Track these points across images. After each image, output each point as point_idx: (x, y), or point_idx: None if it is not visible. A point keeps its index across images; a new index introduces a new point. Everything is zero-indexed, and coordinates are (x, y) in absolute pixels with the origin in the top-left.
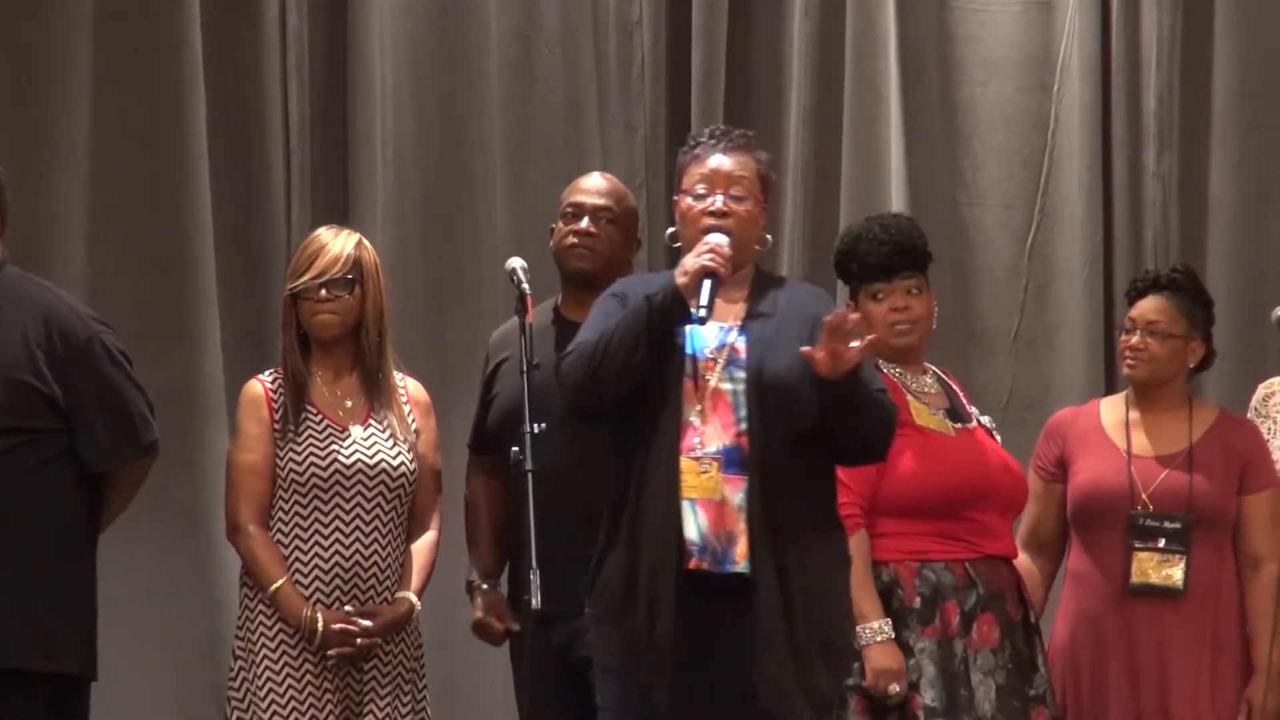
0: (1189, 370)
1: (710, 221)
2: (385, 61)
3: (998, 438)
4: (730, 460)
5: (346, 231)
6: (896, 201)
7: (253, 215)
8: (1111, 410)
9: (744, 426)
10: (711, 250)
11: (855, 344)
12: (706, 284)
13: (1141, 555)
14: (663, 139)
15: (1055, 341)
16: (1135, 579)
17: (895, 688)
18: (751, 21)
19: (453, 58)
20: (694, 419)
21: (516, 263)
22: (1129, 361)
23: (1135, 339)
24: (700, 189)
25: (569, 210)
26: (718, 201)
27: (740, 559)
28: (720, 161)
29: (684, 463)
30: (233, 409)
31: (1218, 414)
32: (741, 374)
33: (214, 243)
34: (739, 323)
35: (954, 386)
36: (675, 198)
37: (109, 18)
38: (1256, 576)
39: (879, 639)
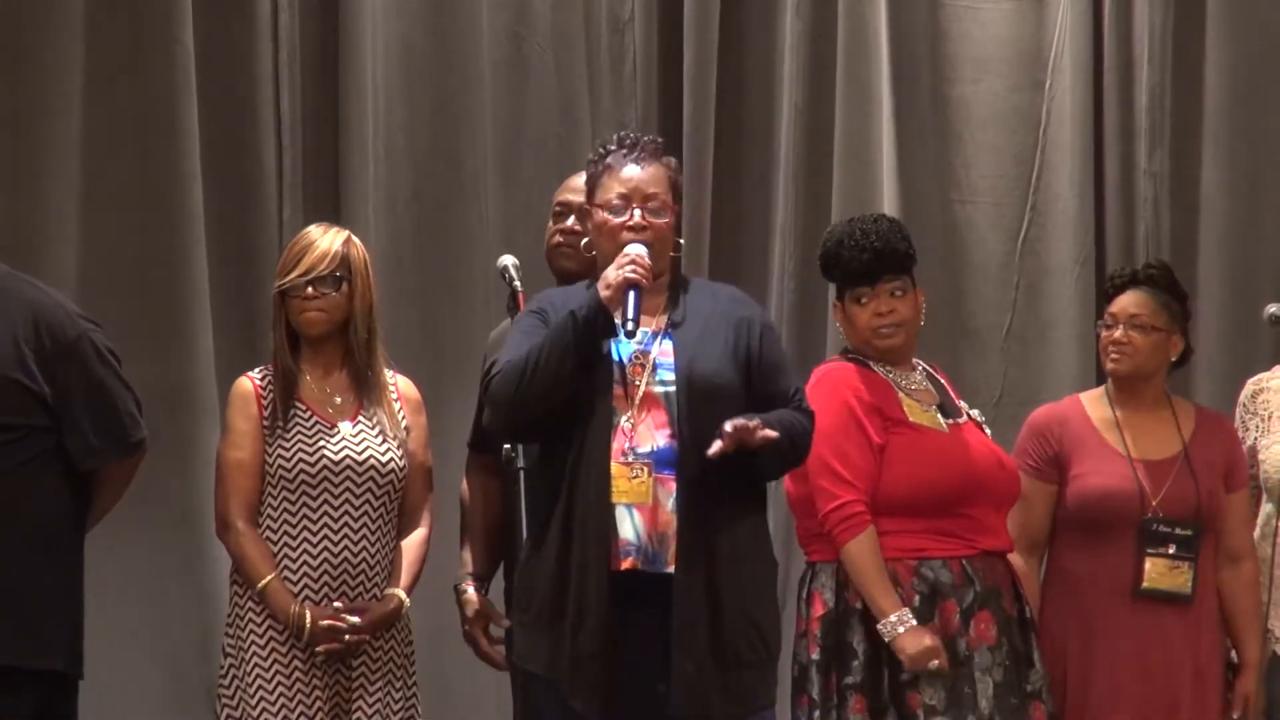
0: (1170, 365)
1: (629, 235)
2: (377, 60)
3: (987, 431)
4: (663, 461)
5: (335, 229)
6: (888, 199)
7: (244, 214)
8: (1096, 408)
9: (675, 428)
10: (633, 262)
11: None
12: (631, 296)
13: (1153, 561)
14: None
15: (1047, 339)
16: (1147, 584)
17: (935, 663)
18: (743, 19)
19: (444, 56)
20: (624, 423)
21: (508, 260)
22: (1113, 356)
23: (1118, 333)
24: (616, 202)
25: (557, 209)
26: (635, 216)
27: (673, 561)
28: (634, 174)
29: (615, 468)
30: (224, 407)
31: (1196, 412)
32: (671, 376)
33: (206, 241)
34: (662, 327)
35: (942, 381)
36: (587, 207)
37: (100, 18)
38: (1238, 572)
39: (902, 629)
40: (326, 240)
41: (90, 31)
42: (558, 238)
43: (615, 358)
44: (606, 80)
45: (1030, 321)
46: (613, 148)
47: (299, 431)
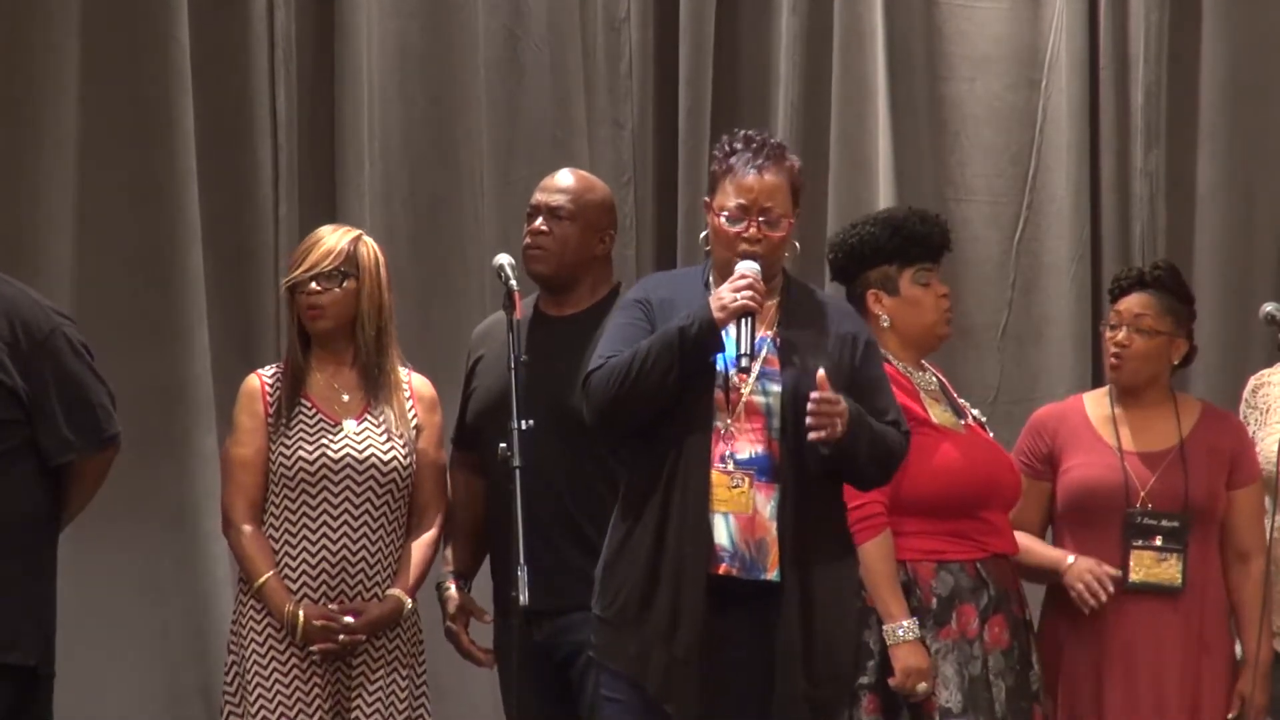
0: (1172, 367)
1: (744, 247)
2: (373, 59)
3: (989, 432)
4: (762, 469)
5: (346, 228)
6: (884, 197)
7: (240, 212)
8: (1096, 406)
9: (776, 436)
10: (749, 286)
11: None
12: (745, 324)
13: (1140, 553)
14: (650, 136)
15: (1043, 337)
16: (1134, 577)
17: (923, 685)
18: (739, 18)
19: (440, 55)
20: (724, 427)
21: (504, 259)
22: (1112, 362)
23: (1121, 334)
24: (734, 211)
25: (528, 211)
26: (751, 229)
27: (772, 568)
28: (755, 180)
29: (715, 475)
30: (220, 405)
31: (1201, 408)
32: (775, 387)
33: (201, 240)
34: (770, 332)
35: (944, 382)
36: (706, 200)
37: (96, 15)
38: (1245, 570)
39: (908, 638)
40: (334, 238)
41: (86, 29)
42: (527, 239)
43: (720, 364)
44: (602, 78)
45: (1026, 320)
46: (738, 146)
47: (301, 429)
